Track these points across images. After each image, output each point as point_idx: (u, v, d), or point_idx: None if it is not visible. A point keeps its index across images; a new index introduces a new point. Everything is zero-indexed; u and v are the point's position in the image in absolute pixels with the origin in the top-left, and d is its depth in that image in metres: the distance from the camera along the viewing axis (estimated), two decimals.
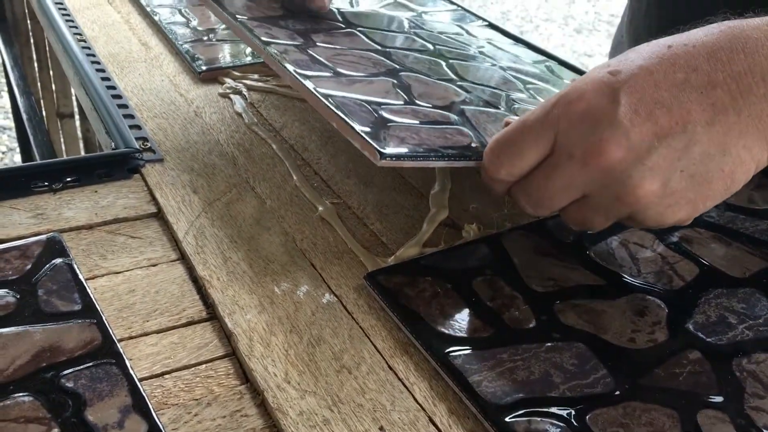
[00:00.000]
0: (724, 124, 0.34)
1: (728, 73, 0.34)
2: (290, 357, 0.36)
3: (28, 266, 0.39)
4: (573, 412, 0.32)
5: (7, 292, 0.37)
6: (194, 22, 0.73)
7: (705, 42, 0.36)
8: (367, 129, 0.40)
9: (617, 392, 0.33)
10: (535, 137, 0.37)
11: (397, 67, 0.52)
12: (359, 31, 0.59)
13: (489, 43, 0.67)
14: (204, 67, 0.64)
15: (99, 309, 0.37)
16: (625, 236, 0.44)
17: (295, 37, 0.53)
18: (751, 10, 0.38)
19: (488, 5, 4.01)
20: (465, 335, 0.36)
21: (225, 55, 0.67)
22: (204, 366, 0.35)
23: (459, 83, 0.52)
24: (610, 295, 0.39)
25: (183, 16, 0.75)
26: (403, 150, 0.39)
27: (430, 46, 0.60)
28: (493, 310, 0.38)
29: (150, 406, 0.32)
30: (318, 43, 0.53)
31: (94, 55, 0.65)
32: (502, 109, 0.50)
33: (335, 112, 0.41)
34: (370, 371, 0.35)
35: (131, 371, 0.33)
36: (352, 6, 0.77)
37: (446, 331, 0.36)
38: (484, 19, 0.75)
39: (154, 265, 0.42)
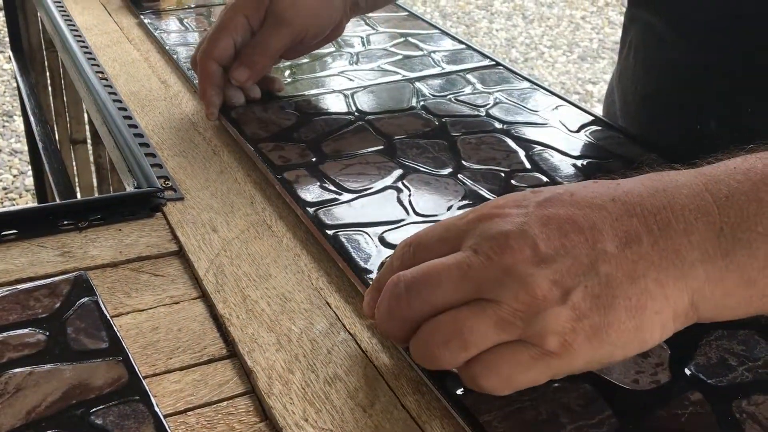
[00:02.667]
0: (635, 252, 0.33)
1: (647, 207, 0.34)
2: (308, 395, 0.37)
3: (57, 304, 0.41)
4: None
5: (38, 330, 0.39)
6: None
7: (629, 180, 0.36)
8: (368, 267, 0.45)
9: None
10: (442, 238, 0.37)
11: (402, 167, 0.57)
12: (367, 122, 0.63)
13: (499, 96, 0.69)
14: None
15: (125, 347, 0.38)
16: None
17: (306, 152, 0.58)
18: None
19: (494, 32, 4.06)
20: None
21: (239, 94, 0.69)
22: (225, 403, 0.37)
23: (461, 172, 0.56)
24: None
25: None
26: None
27: (436, 122, 0.63)
28: None
29: None
30: (327, 153, 0.58)
31: (116, 94, 0.67)
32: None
33: (338, 255, 0.47)
34: (384, 410, 0.37)
35: (156, 408, 0.35)
36: (364, 44, 0.80)
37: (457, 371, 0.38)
38: (491, 58, 0.77)
39: (176, 303, 0.43)
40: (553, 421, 0.35)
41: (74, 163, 1.42)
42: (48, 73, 1.38)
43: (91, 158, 1.34)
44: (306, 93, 0.69)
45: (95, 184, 1.26)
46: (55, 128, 1.43)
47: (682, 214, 0.34)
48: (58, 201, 1.19)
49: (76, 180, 1.40)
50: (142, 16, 0.88)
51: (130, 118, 0.63)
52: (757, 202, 0.33)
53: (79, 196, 1.35)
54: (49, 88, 1.41)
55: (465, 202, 0.52)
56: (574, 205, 0.35)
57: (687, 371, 0.38)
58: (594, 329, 0.33)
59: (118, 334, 0.39)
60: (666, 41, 0.63)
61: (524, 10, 4.39)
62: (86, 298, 0.42)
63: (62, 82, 1.26)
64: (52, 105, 1.43)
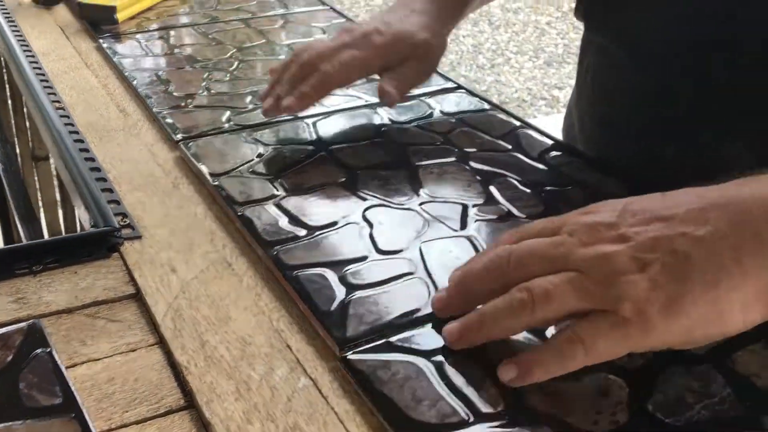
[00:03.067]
0: (713, 234, 0.37)
1: (728, 198, 0.38)
2: None
3: (10, 357, 0.40)
4: None
5: None
6: (171, 87, 0.75)
7: (716, 186, 0.40)
8: (328, 310, 0.45)
9: None
10: (545, 228, 0.42)
11: (364, 200, 0.56)
12: (329, 152, 0.63)
13: (460, 121, 0.69)
14: (181, 135, 0.65)
15: (79, 402, 0.38)
16: None
17: (266, 187, 0.57)
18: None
19: (460, 39, 4.09)
20: (436, 421, 0.38)
21: (202, 121, 0.68)
22: None
23: (422, 204, 0.56)
24: (574, 375, 0.41)
25: (160, 80, 0.76)
26: (361, 333, 0.43)
27: (398, 151, 0.64)
28: (463, 394, 0.39)
29: None
30: (288, 187, 0.57)
31: (72, 125, 0.66)
32: (457, 230, 0.53)
33: (299, 297, 0.46)
34: None
35: None
36: None
37: (418, 417, 0.38)
38: (453, 81, 0.78)
39: (133, 350, 0.43)
40: None
41: (36, 180, 1.39)
42: (8, 88, 1.36)
43: (54, 171, 1.32)
44: (266, 121, 0.68)
45: (58, 199, 1.24)
46: (17, 145, 1.40)
47: (762, 201, 0.37)
48: (18, 224, 1.16)
49: (39, 197, 1.37)
50: (100, 40, 0.86)
51: (87, 150, 0.62)
52: None
53: (42, 214, 1.33)
54: (9, 103, 1.38)
55: (427, 237, 0.52)
56: (662, 201, 0.40)
57: (645, 410, 0.39)
58: (669, 299, 0.36)
59: (73, 388, 0.38)
60: (622, 66, 0.64)
61: (490, 16, 4.42)
62: (40, 350, 0.41)
63: (23, 98, 1.23)
64: (12, 121, 1.41)
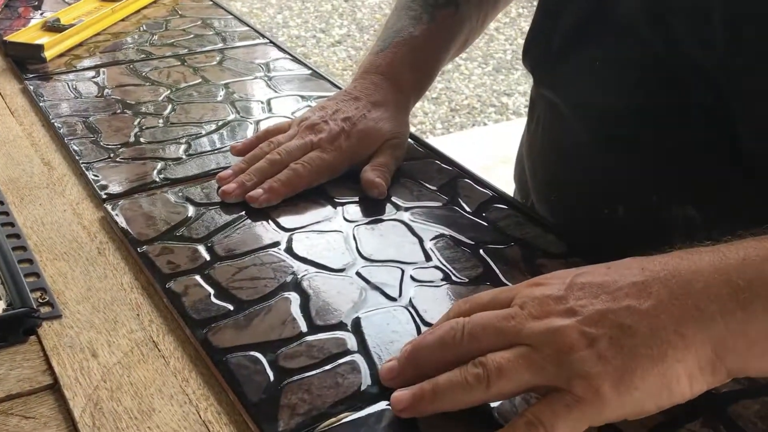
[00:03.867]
0: (656, 308, 0.38)
1: (669, 271, 0.40)
2: None
3: None
4: None
5: None
6: (101, 136, 0.72)
7: (659, 256, 0.41)
8: (258, 399, 0.43)
9: None
10: (495, 299, 0.43)
11: (298, 267, 0.54)
12: (263, 210, 0.61)
13: (398, 171, 0.68)
14: (107, 194, 0.62)
15: None
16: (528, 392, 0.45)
17: (196, 254, 0.55)
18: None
19: None
20: None
21: (131, 176, 0.65)
22: None
23: (360, 269, 0.55)
24: None
25: (89, 128, 0.73)
26: (294, 427, 0.42)
27: (333, 208, 0.62)
28: None
29: None
30: (219, 254, 0.55)
31: None
32: (396, 298, 0.52)
33: (228, 385, 0.44)
34: None
35: None
36: (265, 111, 0.78)
37: None
38: None
39: None
40: None
41: None
42: None
43: None
44: (199, 173, 0.66)
45: None
46: None
47: (702, 274, 0.39)
48: None
49: None
50: (26, 81, 0.83)
51: (7, 214, 0.59)
52: None
53: None
54: None
55: (365, 307, 0.51)
56: (607, 274, 0.41)
57: None
58: (619, 374, 0.37)
59: None
60: (570, 123, 0.63)
61: None
62: None
63: None
64: None
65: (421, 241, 0.58)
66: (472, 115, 3.43)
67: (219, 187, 0.63)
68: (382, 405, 0.43)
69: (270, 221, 0.60)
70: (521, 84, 3.77)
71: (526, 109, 0.73)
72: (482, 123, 3.37)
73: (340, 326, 0.49)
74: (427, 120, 3.29)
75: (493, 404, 0.43)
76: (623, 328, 0.38)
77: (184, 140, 0.71)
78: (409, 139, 0.73)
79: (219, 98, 0.81)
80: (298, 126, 0.67)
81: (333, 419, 0.42)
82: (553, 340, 0.39)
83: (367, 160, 0.66)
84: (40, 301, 0.50)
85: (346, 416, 0.42)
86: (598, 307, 0.39)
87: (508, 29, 4.44)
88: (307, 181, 0.63)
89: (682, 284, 0.39)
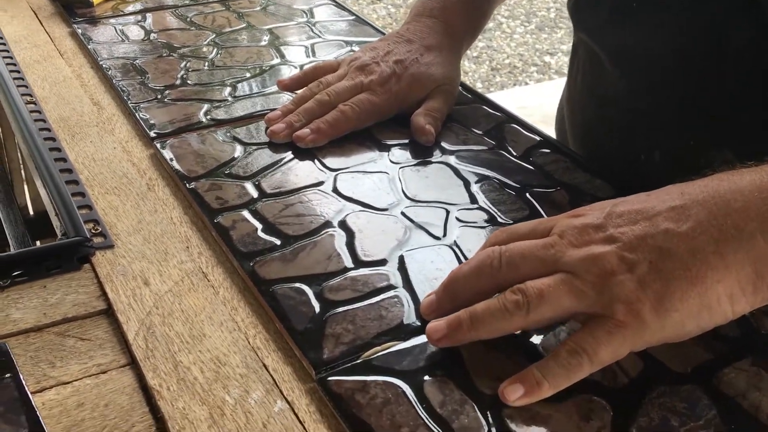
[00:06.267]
0: (695, 230, 0.38)
1: (709, 193, 0.39)
2: None
3: None
4: None
5: None
6: (148, 78, 0.72)
7: (697, 181, 0.41)
8: (304, 328, 0.43)
9: None
10: (534, 229, 0.43)
11: (344, 205, 0.54)
12: (309, 151, 0.61)
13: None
14: (156, 132, 0.63)
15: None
16: (572, 326, 0.45)
17: (244, 191, 0.55)
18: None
19: None
20: None
21: (179, 116, 0.66)
22: None
23: (405, 209, 0.54)
24: (557, 396, 0.40)
25: (136, 70, 0.74)
26: (338, 355, 0.42)
27: (380, 150, 0.62)
28: (443, 419, 0.38)
29: None
30: (266, 191, 0.55)
31: (44, 121, 0.64)
32: (439, 237, 0.52)
33: (275, 315, 0.45)
34: None
35: None
36: (309, 55, 0.77)
37: None
38: None
39: (104, 372, 0.41)
40: None
41: (20, 155, 1.36)
42: None
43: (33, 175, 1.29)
44: (246, 114, 0.66)
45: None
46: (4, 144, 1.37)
47: (742, 193, 0.38)
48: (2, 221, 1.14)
49: (22, 171, 1.35)
50: (75, 25, 0.83)
51: (59, 150, 0.60)
52: None
53: (26, 189, 1.31)
54: None
55: (409, 246, 0.51)
56: (646, 201, 0.41)
57: None
58: (658, 297, 0.37)
59: (40, 416, 0.37)
60: (608, 71, 0.62)
61: None
62: (6, 375, 0.39)
63: None
64: None
65: (466, 183, 0.58)
66: (513, 75, 3.38)
67: (267, 128, 0.63)
68: (425, 337, 0.43)
69: (316, 161, 0.60)
70: (565, 43, 3.68)
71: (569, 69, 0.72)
72: (524, 82, 3.31)
73: (384, 262, 0.49)
74: (467, 79, 3.24)
75: (537, 338, 0.44)
76: (662, 252, 0.38)
77: (229, 83, 0.72)
78: (461, 85, 0.73)
79: (263, 42, 0.81)
80: (348, 66, 0.66)
81: (377, 348, 0.43)
82: (593, 267, 0.39)
83: (417, 105, 0.65)
84: (93, 231, 0.51)
85: (390, 346, 0.43)
86: (637, 233, 0.39)
87: None
88: (354, 123, 0.63)
89: (721, 205, 0.38)
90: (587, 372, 0.39)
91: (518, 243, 0.42)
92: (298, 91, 0.67)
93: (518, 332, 0.44)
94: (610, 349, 0.38)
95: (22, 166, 1.34)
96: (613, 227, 0.40)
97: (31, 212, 1.14)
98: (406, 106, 0.65)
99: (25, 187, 1.29)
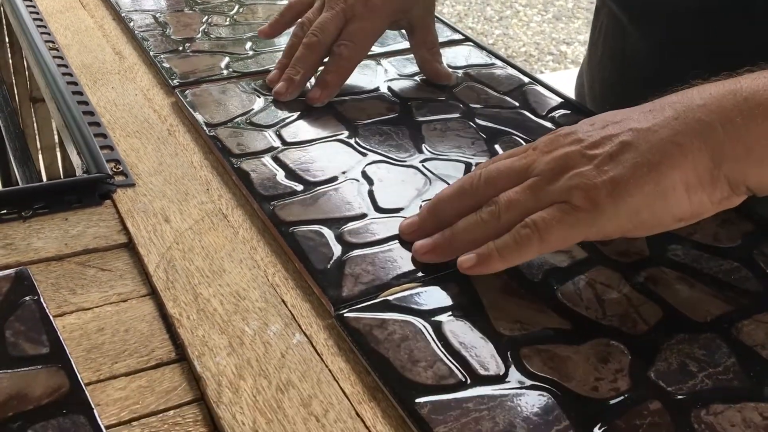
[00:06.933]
0: (658, 124, 0.39)
1: (675, 98, 0.41)
2: (258, 404, 0.36)
3: None
4: None
5: None
6: (170, 30, 0.72)
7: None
8: (323, 268, 0.44)
9: None
10: (514, 152, 0.45)
11: (364, 156, 0.54)
12: (330, 105, 0.61)
13: (466, 76, 0.67)
14: (178, 81, 0.63)
15: (67, 351, 0.37)
16: (591, 275, 0.44)
17: (264, 139, 0.55)
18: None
19: None
20: (432, 383, 0.37)
21: (200, 67, 0.66)
22: (172, 412, 0.36)
23: (424, 161, 0.54)
24: (575, 340, 0.40)
25: (158, 23, 0.74)
26: (357, 294, 0.42)
27: (401, 106, 0.61)
28: (461, 355, 0.38)
29: None
30: (287, 140, 0.55)
31: (66, 66, 0.64)
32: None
33: (295, 254, 0.45)
34: (338, 419, 0.36)
35: (98, 421, 0.33)
36: None
37: (414, 378, 0.37)
38: (461, 33, 0.75)
39: (124, 301, 0.42)
40: (509, 431, 0.34)
41: (35, 123, 1.37)
42: (5, 28, 1.32)
43: (53, 117, 1.29)
44: (268, 68, 0.66)
45: (56, 142, 1.22)
46: (15, 87, 1.38)
47: (707, 93, 0.39)
48: (15, 167, 1.15)
49: (37, 140, 1.35)
50: None
51: (80, 93, 0.60)
52: None
53: (41, 157, 1.31)
54: (7, 44, 1.35)
55: (428, 195, 0.51)
56: (618, 112, 0.42)
57: (647, 378, 0.38)
58: (614, 183, 0.38)
59: (61, 337, 0.38)
60: (630, 33, 0.61)
61: None
62: (27, 297, 0.40)
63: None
64: (10, 62, 1.38)
65: (487, 140, 0.58)
66: (528, 63, 3.36)
67: (271, 90, 0.62)
68: (444, 279, 0.43)
69: (335, 114, 0.60)
70: (581, 33, 3.66)
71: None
72: (539, 71, 3.30)
73: (404, 210, 0.49)
74: None
75: (555, 286, 0.43)
76: (623, 145, 0.39)
77: (250, 38, 0.72)
78: (478, 47, 0.72)
79: (286, 1, 0.80)
80: None
81: (396, 288, 0.43)
82: (558, 165, 0.41)
83: (404, 13, 0.63)
84: (115, 170, 0.51)
85: (410, 287, 0.43)
86: (603, 134, 0.41)
87: None
88: (356, 60, 0.62)
89: (686, 103, 0.39)
90: (536, 249, 0.40)
91: (496, 162, 0.44)
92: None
93: (539, 278, 0.44)
94: (562, 230, 0.39)
95: (37, 133, 1.35)
96: (582, 132, 0.42)
97: (45, 180, 1.14)
98: (397, 19, 0.63)
99: (40, 155, 1.30)
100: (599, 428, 0.35)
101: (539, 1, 4.03)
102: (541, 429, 0.35)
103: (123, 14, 0.75)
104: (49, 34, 0.70)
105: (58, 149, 1.24)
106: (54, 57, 0.65)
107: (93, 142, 0.52)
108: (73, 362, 0.36)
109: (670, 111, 0.40)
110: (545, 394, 0.37)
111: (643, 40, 0.60)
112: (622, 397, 0.37)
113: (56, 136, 1.25)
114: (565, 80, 0.79)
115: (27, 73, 1.26)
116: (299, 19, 0.64)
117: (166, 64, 0.66)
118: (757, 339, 0.41)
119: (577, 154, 0.41)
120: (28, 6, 0.74)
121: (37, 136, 1.36)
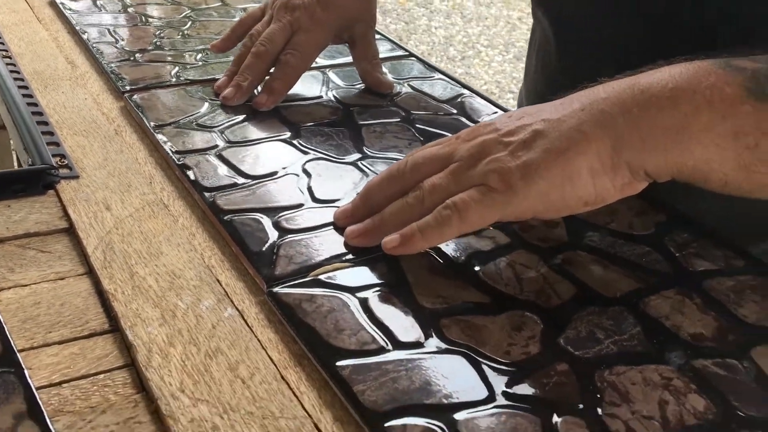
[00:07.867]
0: (567, 115, 0.43)
1: (583, 94, 0.44)
2: (186, 368, 0.38)
3: None
4: (446, 417, 0.35)
5: None
6: (122, 42, 0.75)
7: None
8: (259, 250, 0.46)
9: (487, 400, 0.36)
10: (439, 141, 0.48)
11: (305, 153, 0.57)
12: (275, 110, 0.64)
13: (407, 86, 0.70)
14: (128, 86, 0.65)
15: (1, 320, 0.38)
16: (512, 257, 0.47)
17: (209, 140, 0.58)
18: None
19: (432, 30, 4.10)
20: (355, 348, 0.39)
21: (150, 74, 0.68)
22: (102, 375, 0.37)
23: (362, 160, 0.57)
24: (492, 312, 0.42)
25: (112, 35, 0.76)
26: (289, 272, 0.44)
27: (343, 110, 0.65)
28: (384, 325, 0.41)
29: (44, 413, 0.33)
30: (231, 140, 0.58)
31: (18, 72, 0.66)
32: None
33: (231, 238, 0.47)
34: (263, 381, 0.37)
35: (28, 380, 0.35)
36: None
37: (338, 345, 0.39)
38: (405, 49, 0.79)
39: (61, 279, 0.43)
40: (424, 389, 0.36)
41: None
42: None
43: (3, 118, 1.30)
44: (216, 76, 0.68)
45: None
46: None
47: (612, 88, 0.43)
48: None
49: None
50: None
51: (30, 96, 0.62)
52: (671, 84, 0.41)
53: None
54: None
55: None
56: (536, 106, 0.46)
57: (557, 344, 0.40)
58: (526, 167, 0.42)
59: None
60: (552, 45, 0.65)
61: (463, 9, 4.44)
62: None
63: None
64: None
65: (424, 142, 0.60)
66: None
67: (219, 96, 0.64)
68: (374, 260, 0.46)
69: (280, 118, 0.62)
70: None
71: None
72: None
73: (340, 201, 0.52)
74: None
75: (478, 266, 0.46)
76: (536, 133, 0.43)
77: (200, 49, 0.74)
78: (420, 62, 0.76)
79: (236, 18, 0.83)
80: (271, 9, 0.67)
81: (327, 267, 0.45)
82: (477, 151, 0.44)
83: (347, 29, 0.67)
84: (60, 164, 0.53)
85: (340, 267, 0.45)
86: (518, 123, 0.44)
87: (531, 19, 4.44)
88: (302, 68, 0.65)
89: (593, 97, 0.43)
90: (456, 229, 0.43)
91: (423, 150, 0.48)
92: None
93: (463, 260, 0.46)
94: (479, 210, 0.43)
95: None
96: (499, 123, 0.45)
97: None
98: (341, 32, 0.67)
99: None
100: (506, 386, 0.37)
101: (500, 41, 4.14)
102: (453, 386, 0.37)
103: (78, 27, 0.77)
104: (3, 43, 0.72)
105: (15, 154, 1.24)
106: (7, 64, 0.67)
107: (39, 137, 0.54)
108: (6, 329, 0.38)
109: (578, 104, 0.43)
110: (460, 357, 0.39)
111: (564, 59, 0.64)
112: (531, 360, 0.39)
113: (15, 164, 1.26)
114: None
115: None
116: (250, 32, 0.67)
117: (116, 71, 0.68)
118: (662, 311, 0.43)
119: (494, 141, 0.44)
120: None
121: None
